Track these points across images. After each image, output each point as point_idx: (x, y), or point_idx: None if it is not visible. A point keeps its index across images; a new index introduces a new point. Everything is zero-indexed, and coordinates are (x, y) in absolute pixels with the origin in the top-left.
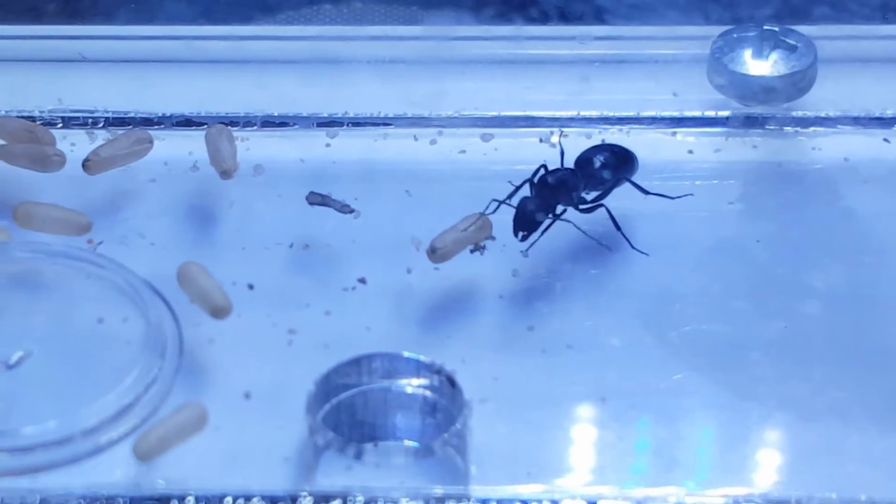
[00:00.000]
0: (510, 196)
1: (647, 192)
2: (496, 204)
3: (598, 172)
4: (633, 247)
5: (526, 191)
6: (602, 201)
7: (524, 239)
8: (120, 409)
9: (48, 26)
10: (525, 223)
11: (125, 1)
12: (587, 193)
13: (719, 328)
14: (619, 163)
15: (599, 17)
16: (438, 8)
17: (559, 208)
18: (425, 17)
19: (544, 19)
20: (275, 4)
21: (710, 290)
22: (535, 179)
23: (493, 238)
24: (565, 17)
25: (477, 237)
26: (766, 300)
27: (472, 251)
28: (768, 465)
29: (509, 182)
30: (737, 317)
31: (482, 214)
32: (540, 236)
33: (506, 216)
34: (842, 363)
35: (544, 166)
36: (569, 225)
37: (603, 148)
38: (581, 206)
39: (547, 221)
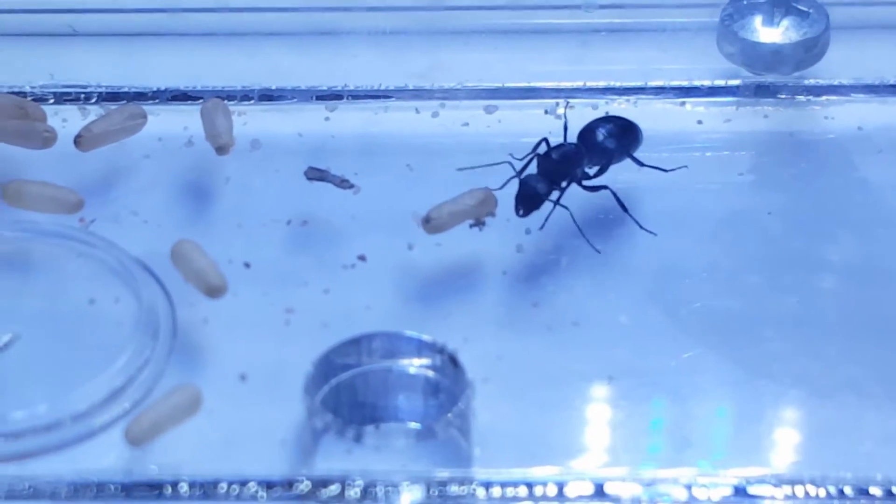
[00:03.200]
0: (519, 173)
1: (641, 164)
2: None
3: (601, 145)
4: (641, 227)
5: (532, 167)
6: (606, 183)
7: (524, 215)
8: (111, 392)
9: None
10: (528, 201)
11: None
12: (590, 168)
13: (731, 304)
14: (623, 135)
15: None
16: None
17: (563, 184)
18: None
19: None
20: None
21: (720, 265)
22: (540, 155)
23: (493, 215)
24: None
25: (478, 212)
26: (779, 274)
27: (471, 226)
28: (782, 444)
29: (510, 154)
30: (749, 292)
31: (486, 188)
32: (549, 216)
33: (507, 191)
34: (857, 338)
35: (545, 140)
36: (574, 200)
37: (606, 120)
38: (584, 182)
39: (552, 200)
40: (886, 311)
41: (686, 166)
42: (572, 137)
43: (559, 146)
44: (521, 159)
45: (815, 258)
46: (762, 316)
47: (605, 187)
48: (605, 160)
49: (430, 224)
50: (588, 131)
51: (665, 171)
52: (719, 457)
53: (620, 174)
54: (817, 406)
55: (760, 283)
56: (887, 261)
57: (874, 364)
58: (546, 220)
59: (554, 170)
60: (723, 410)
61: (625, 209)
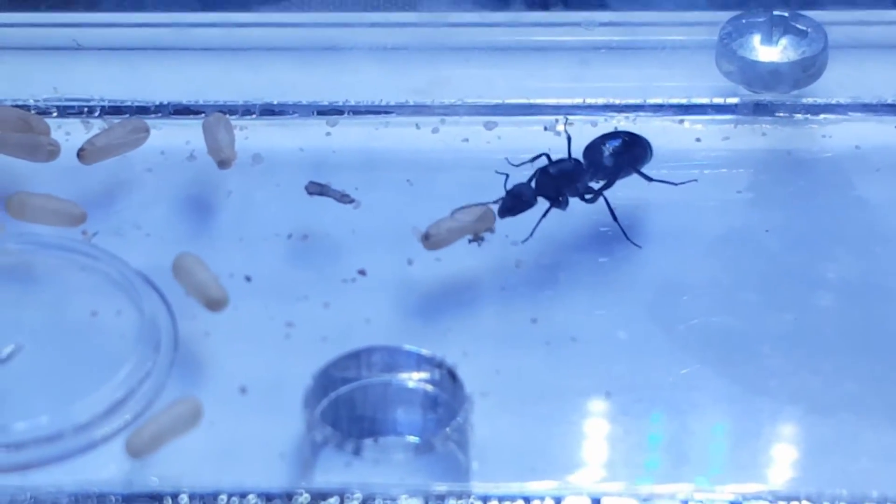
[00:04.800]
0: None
1: (650, 180)
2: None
3: (607, 161)
4: (627, 238)
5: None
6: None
7: (502, 216)
8: (112, 404)
9: (43, 14)
10: (511, 203)
11: None
12: (596, 182)
13: (728, 320)
14: (630, 150)
15: (605, 2)
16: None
17: (559, 198)
18: (427, 3)
19: (547, 5)
20: None
21: (718, 282)
22: (539, 169)
23: (492, 231)
24: (569, 4)
25: (477, 227)
26: (777, 291)
27: (470, 241)
28: (779, 460)
29: (508, 162)
30: (746, 308)
31: (484, 204)
32: (535, 227)
33: None
34: (854, 355)
35: (546, 155)
36: (572, 215)
37: (615, 135)
38: (587, 196)
39: (542, 211)
40: (883, 328)
41: (696, 180)
42: (576, 152)
43: (559, 161)
44: (517, 166)
45: (813, 275)
46: (759, 332)
47: (600, 195)
48: (610, 176)
49: (430, 240)
50: (592, 147)
51: (675, 184)
52: (716, 473)
53: (621, 190)
54: (814, 423)
55: (758, 300)
56: (884, 278)
57: (871, 381)
58: (532, 233)
59: (551, 184)
60: (720, 427)
61: (615, 218)
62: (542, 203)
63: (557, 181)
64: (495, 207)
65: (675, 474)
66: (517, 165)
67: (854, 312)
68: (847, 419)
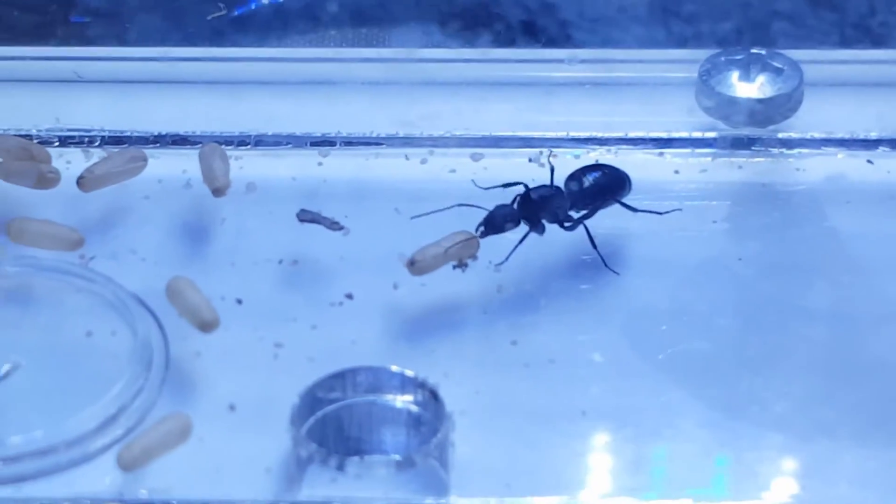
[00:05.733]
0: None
1: (635, 210)
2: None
3: (587, 191)
4: (606, 265)
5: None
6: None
7: (482, 235)
8: (105, 419)
9: (46, 48)
10: (492, 225)
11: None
12: (576, 211)
13: (704, 346)
14: (611, 183)
15: (591, 41)
16: (435, 34)
17: (538, 223)
18: (417, 40)
19: (534, 43)
20: (281, 32)
21: (695, 308)
22: (520, 194)
23: (475, 257)
24: (555, 41)
25: (461, 254)
26: (752, 318)
27: (454, 267)
28: (756, 486)
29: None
30: (722, 335)
31: (468, 231)
32: (513, 251)
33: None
34: (828, 381)
35: (525, 185)
36: (554, 242)
37: (595, 168)
38: (566, 224)
39: (520, 235)
40: (855, 354)
41: (680, 209)
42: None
43: (540, 187)
44: (471, 206)
45: (787, 303)
46: (735, 358)
47: (581, 222)
48: (589, 206)
49: (415, 266)
50: (573, 177)
51: (659, 213)
52: (693, 495)
53: (602, 220)
54: (791, 448)
55: (734, 327)
56: (855, 306)
57: (846, 407)
58: (508, 256)
59: (531, 207)
60: (693, 448)
61: (594, 246)
62: (522, 229)
63: (538, 206)
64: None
65: (650, 493)
66: (486, 189)
67: (827, 339)
68: (823, 444)
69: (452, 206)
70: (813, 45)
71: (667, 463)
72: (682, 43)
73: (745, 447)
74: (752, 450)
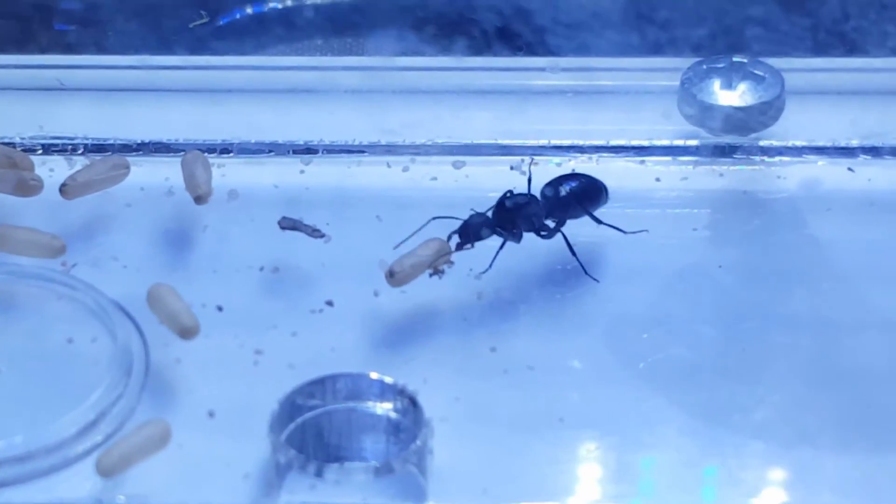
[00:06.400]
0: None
1: (599, 223)
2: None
3: (562, 200)
4: (586, 272)
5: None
6: (564, 231)
7: (459, 246)
8: (84, 425)
9: (29, 55)
10: (467, 235)
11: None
12: (552, 220)
13: (684, 353)
14: (587, 192)
15: (574, 48)
16: (419, 43)
17: (514, 230)
18: (399, 48)
19: (515, 51)
20: (267, 42)
21: (675, 315)
22: (497, 202)
23: (451, 263)
24: (537, 50)
25: (436, 262)
26: (732, 326)
27: (430, 275)
28: (740, 495)
29: (472, 209)
30: (702, 342)
31: (441, 238)
32: (494, 260)
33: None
34: (809, 389)
35: (510, 191)
36: (533, 251)
37: (572, 177)
38: (542, 232)
39: (498, 243)
40: (835, 361)
41: (647, 230)
42: (535, 191)
43: (515, 195)
44: (446, 218)
45: (768, 310)
46: (715, 365)
47: (558, 231)
48: (563, 215)
49: (395, 278)
50: (549, 186)
51: (624, 232)
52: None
53: (582, 228)
54: (773, 456)
55: (713, 334)
56: (835, 312)
57: (827, 414)
58: (491, 264)
59: (506, 216)
60: (672, 456)
61: (573, 253)
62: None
63: (513, 214)
64: (453, 240)
65: (631, 501)
66: (447, 217)
67: (807, 346)
68: (807, 452)
69: (428, 222)
70: (794, 54)
71: (647, 471)
72: (664, 51)
73: (726, 455)
74: (733, 457)
